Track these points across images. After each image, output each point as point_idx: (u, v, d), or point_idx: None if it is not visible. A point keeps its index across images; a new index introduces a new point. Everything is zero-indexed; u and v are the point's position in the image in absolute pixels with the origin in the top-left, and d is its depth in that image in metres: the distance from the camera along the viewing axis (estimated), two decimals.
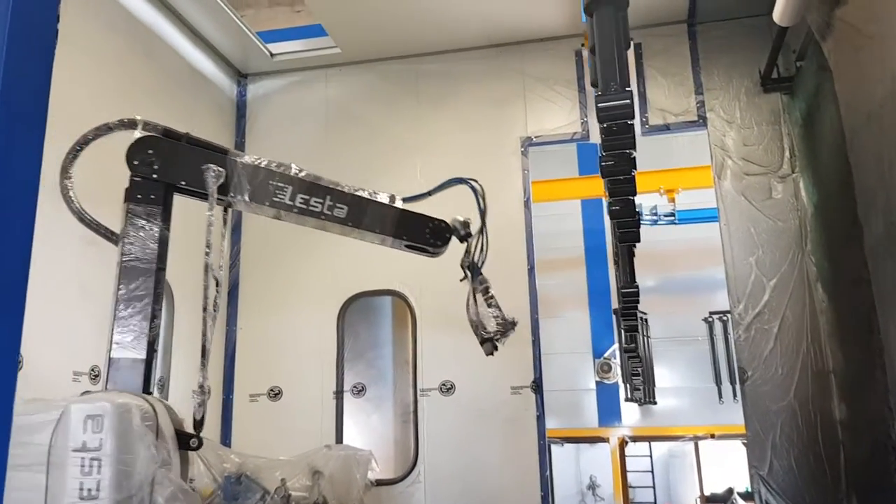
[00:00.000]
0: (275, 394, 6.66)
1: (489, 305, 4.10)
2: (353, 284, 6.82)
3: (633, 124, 2.29)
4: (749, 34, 6.50)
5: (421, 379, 6.54)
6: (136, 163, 3.88)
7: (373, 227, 4.15)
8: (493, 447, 6.32)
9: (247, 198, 3.99)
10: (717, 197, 6.40)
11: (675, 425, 11.34)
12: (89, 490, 3.19)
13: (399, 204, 4.19)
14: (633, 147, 2.41)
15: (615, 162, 2.43)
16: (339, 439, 6.48)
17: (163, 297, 3.89)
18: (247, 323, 6.80)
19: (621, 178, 2.56)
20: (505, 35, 6.83)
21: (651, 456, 14.49)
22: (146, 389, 3.71)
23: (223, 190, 3.96)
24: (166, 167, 3.87)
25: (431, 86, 7.16)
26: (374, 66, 7.30)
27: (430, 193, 4.18)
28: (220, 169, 3.95)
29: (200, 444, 3.60)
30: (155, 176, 3.89)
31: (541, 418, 6.30)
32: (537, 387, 6.36)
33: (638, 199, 10.32)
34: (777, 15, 5.02)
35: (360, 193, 4.15)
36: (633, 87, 6.55)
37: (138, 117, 4.04)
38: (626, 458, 12.81)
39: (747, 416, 5.96)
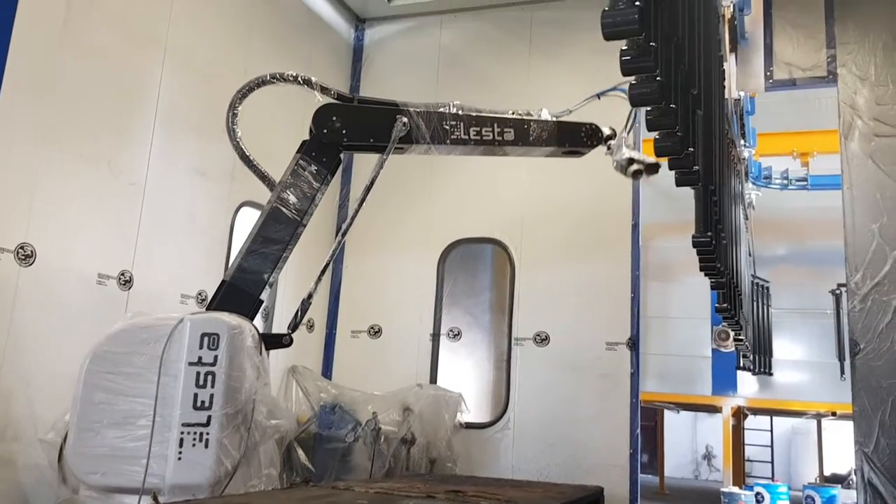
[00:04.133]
0: (375, 332, 6.90)
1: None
2: (454, 231, 6.91)
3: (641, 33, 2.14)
4: None
5: (516, 328, 6.57)
6: (325, 130, 4.22)
7: (538, 142, 4.58)
8: (584, 401, 6.28)
9: (428, 140, 4.35)
10: (843, 159, 5.89)
11: (793, 399, 10.81)
12: (203, 402, 3.48)
13: (547, 116, 4.64)
14: (654, 70, 2.25)
15: (637, 60, 2.20)
16: (434, 380, 6.64)
17: (292, 249, 4.20)
18: (352, 262, 7.05)
19: (649, 89, 2.31)
20: None
21: (772, 431, 13.96)
22: (251, 317, 4.00)
23: (406, 139, 4.31)
24: (353, 130, 4.23)
25: (544, 34, 7.03)
26: (488, 14, 7.23)
27: (570, 111, 4.79)
28: (407, 120, 4.29)
29: (291, 342, 4.05)
30: (346, 141, 4.24)
31: (635, 376, 6.20)
32: (633, 344, 6.27)
33: (768, 162, 9.92)
34: None
35: (515, 116, 4.57)
36: (759, 38, 6.28)
37: (314, 78, 4.35)
38: (746, 431, 12.36)
39: (855, 392, 5.56)
